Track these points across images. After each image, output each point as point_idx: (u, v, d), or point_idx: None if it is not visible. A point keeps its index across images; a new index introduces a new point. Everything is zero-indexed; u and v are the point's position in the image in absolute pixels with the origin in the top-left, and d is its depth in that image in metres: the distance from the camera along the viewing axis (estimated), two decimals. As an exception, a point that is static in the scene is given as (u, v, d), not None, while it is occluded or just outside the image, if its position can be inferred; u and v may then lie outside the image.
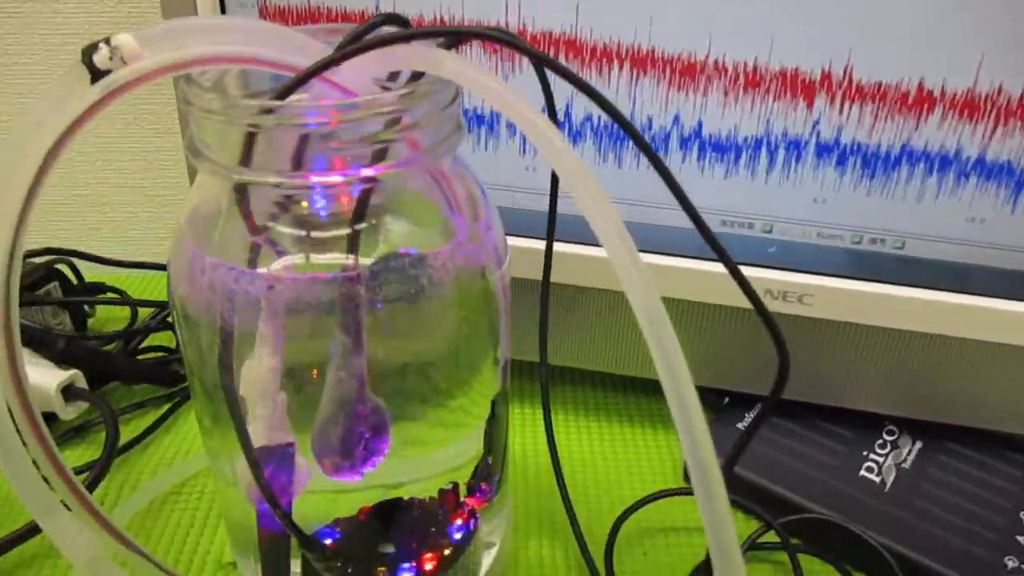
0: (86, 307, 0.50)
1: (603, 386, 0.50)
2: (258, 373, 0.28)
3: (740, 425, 0.44)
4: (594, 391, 0.50)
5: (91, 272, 0.54)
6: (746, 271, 0.43)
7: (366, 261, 0.26)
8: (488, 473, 0.34)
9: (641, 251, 0.21)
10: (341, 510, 0.33)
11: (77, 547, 0.27)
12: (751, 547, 0.39)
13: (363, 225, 0.25)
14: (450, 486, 0.33)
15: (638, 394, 0.50)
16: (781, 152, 0.39)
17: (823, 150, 0.38)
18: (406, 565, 0.32)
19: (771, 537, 0.39)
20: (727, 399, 0.46)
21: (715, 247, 0.25)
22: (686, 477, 0.43)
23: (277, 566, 0.32)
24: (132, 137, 0.62)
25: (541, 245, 0.40)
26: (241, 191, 0.25)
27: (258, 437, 0.29)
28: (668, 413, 0.50)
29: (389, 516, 0.32)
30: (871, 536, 0.37)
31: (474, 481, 0.33)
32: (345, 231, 0.25)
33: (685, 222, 0.25)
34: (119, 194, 0.64)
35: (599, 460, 0.44)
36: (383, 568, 0.32)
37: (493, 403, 0.33)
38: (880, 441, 0.43)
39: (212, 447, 0.33)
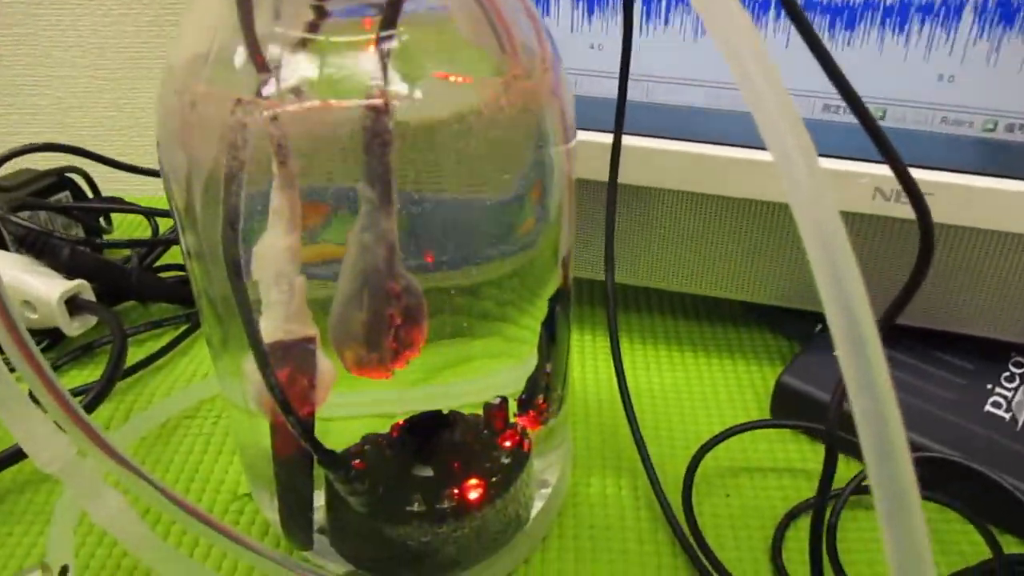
0: (102, 221, 0.46)
1: (673, 312, 0.44)
2: (272, 252, 0.23)
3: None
4: (663, 318, 0.44)
5: (110, 189, 0.50)
6: (851, 166, 0.37)
7: (398, 90, 0.20)
8: (545, 388, 0.28)
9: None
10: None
11: (48, 453, 0.22)
12: (856, 490, 0.33)
13: (391, 32, 0.19)
14: (497, 401, 0.28)
15: (713, 321, 0.43)
16: (899, 14, 0.32)
17: (954, 9, 0.31)
18: (446, 492, 0.26)
19: (880, 479, 0.33)
20: (820, 326, 0.40)
21: (878, 140, 0.19)
22: (773, 411, 0.37)
23: (294, 492, 0.27)
24: (160, 57, 0.57)
25: (606, 139, 0.34)
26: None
27: (271, 330, 0.24)
28: (747, 343, 0.45)
29: (427, 434, 0.27)
30: (1005, 479, 0.31)
31: (527, 397, 0.28)
32: (369, 38, 0.19)
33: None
34: (149, 116, 0.59)
35: (671, 393, 0.39)
36: (419, 495, 0.26)
37: (551, 302, 0.27)
38: (1007, 373, 0.37)
39: (223, 369, 0.28)
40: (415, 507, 0.26)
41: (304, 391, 0.25)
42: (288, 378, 0.25)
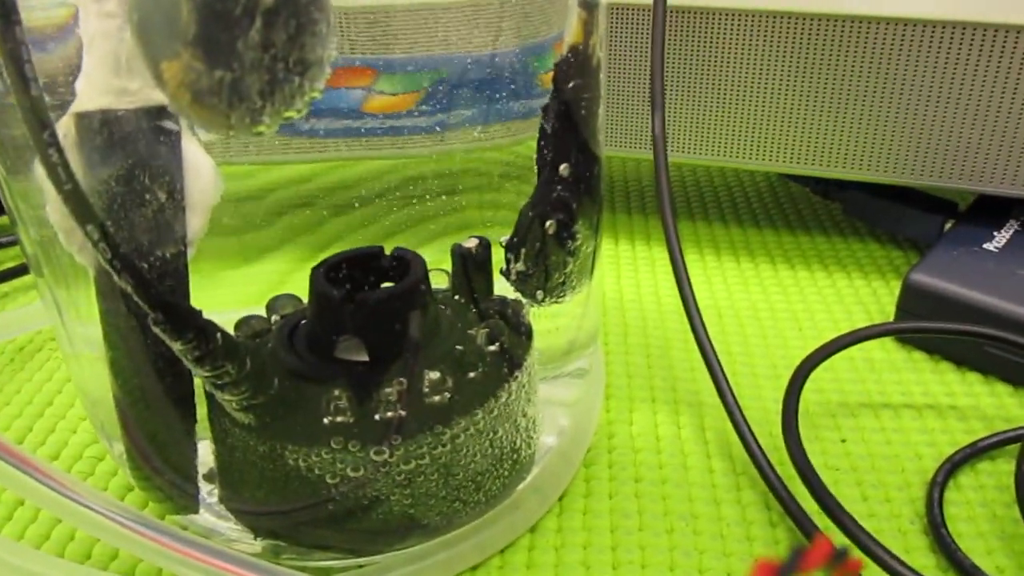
0: None
1: (739, 218, 0.33)
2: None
3: (990, 246, 0.26)
4: (725, 227, 0.32)
5: None
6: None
7: None
8: (552, 226, 0.17)
9: None
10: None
11: None
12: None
13: None
14: (474, 244, 0.17)
15: (794, 228, 0.32)
16: None
17: None
18: (388, 392, 0.15)
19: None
20: (951, 222, 0.28)
21: None
22: (899, 316, 0.26)
23: (148, 411, 0.16)
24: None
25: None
26: None
27: (90, 92, 0.14)
28: (845, 252, 0.27)
29: (360, 289, 0.16)
30: None
31: (517, 239, 0.17)
32: None
33: None
34: None
35: (745, 313, 0.27)
36: (344, 395, 0.15)
37: (559, 74, 0.16)
38: None
39: (44, 289, 0.17)
40: (337, 416, 0.15)
41: (157, 211, 0.15)
42: (126, 181, 0.15)
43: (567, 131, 0.16)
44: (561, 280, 0.17)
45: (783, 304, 0.27)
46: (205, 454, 0.17)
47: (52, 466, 0.16)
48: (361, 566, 0.18)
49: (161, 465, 0.17)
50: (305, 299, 0.18)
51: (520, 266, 0.16)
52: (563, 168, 0.15)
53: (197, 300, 0.15)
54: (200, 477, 0.18)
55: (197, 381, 0.16)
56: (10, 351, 0.25)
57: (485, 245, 0.17)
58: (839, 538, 0.18)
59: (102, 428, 0.18)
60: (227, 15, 0.11)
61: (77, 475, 0.21)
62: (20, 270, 0.28)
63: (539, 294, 0.17)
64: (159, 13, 0.12)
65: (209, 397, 0.17)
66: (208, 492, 0.18)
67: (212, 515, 0.19)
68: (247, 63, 0.12)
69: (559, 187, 0.16)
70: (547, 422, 0.20)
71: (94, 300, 0.15)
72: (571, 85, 0.16)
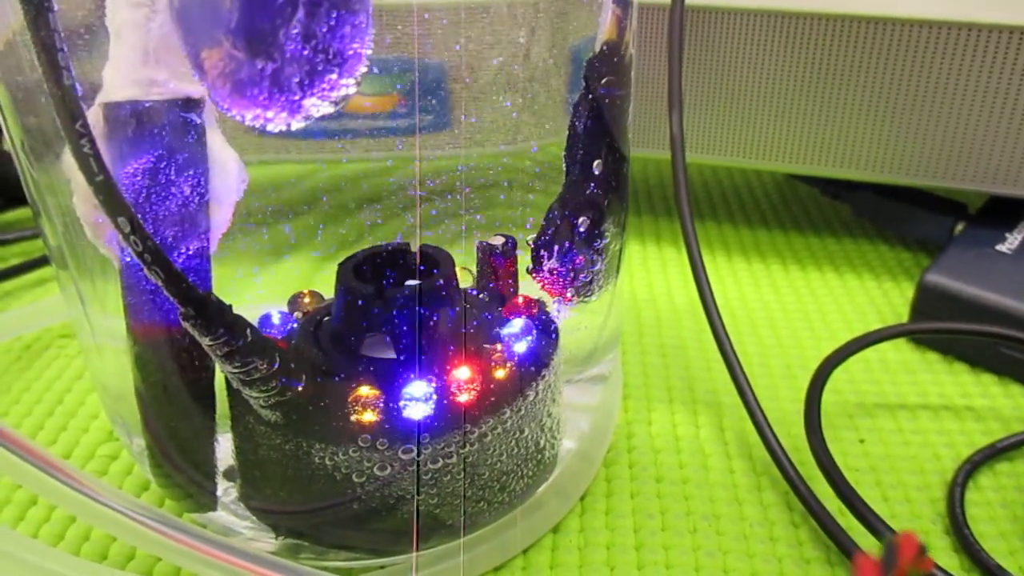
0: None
1: (748, 219, 0.33)
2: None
3: (1003, 247, 0.26)
4: (735, 228, 0.32)
5: None
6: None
7: None
8: (583, 223, 0.17)
9: None
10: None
11: None
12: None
13: None
14: (500, 241, 0.16)
15: (804, 229, 0.32)
16: None
17: None
18: (416, 390, 0.15)
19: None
20: (961, 223, 0.28)
21: None
22: (913, 317, 0.26)
23: (169, 408, 0.16)
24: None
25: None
26: None
27: (118, 81, 0.14)
28: (855, 253, 0.27)
29: (384, 286, 0.16)
30: None
31: (547, 237, 0.16)
32: None
33: None
34: None
35: (757, 313, 0.27)
36: (368, 391, 0.15)
37: (591, 71, 0.16)
38: None
39: (67, 282, 0.17)
40: (364, 414, 0.15)
41: (183, 204, 0.15)
42: (150, 175, 0.14)
43: (599, 128, 0.16)
44: (589, 279, 0.17)
45: (795, 305, 0.27)
46: (224, 451, 0.17)
47: (68, 463, 0.16)
48: (383, 567, 0.18)
49: (181, 461, 0.17)
50: (325, 296, 0.18)
51: (553, 263, 0.16)
52: (596, 165, 0.15)
53: (219, 295, 0.15)
54: (219, 474, 0.18)
55: (218, 377, 0.16)
56: (17, 349, 0.25)
57: (512, 242, 0.16)
58: (864, 539, 0.18)
59: (121, 423, 0.18)
60: (270, 4, 0.11)
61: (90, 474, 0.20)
62: (24, 267, 0.28)
63: (568, 292, 0.17)
64: (205, 32, 0.11)
65: (233, 394, 0.16)
66: (226, 490, 0.18)
67: (229, 513, 0.18)
68: (287, 53, 0.12)
69: (591, 184, 0.16)
70: (567, 426, 0.19)
71: (119, 293, 0.15)
72: (604, 81, 0.16)
